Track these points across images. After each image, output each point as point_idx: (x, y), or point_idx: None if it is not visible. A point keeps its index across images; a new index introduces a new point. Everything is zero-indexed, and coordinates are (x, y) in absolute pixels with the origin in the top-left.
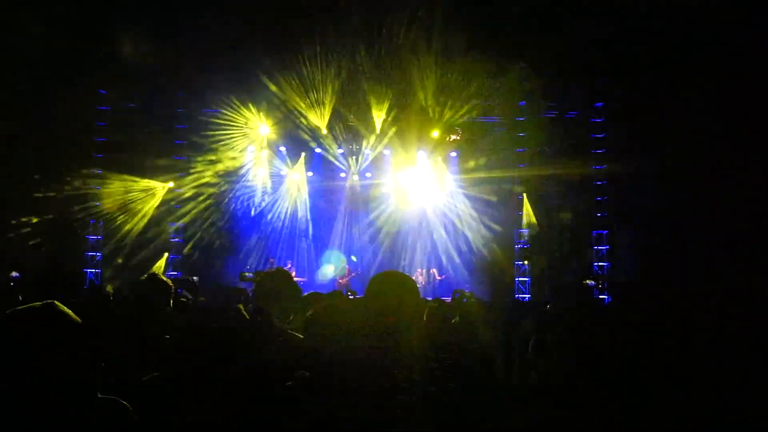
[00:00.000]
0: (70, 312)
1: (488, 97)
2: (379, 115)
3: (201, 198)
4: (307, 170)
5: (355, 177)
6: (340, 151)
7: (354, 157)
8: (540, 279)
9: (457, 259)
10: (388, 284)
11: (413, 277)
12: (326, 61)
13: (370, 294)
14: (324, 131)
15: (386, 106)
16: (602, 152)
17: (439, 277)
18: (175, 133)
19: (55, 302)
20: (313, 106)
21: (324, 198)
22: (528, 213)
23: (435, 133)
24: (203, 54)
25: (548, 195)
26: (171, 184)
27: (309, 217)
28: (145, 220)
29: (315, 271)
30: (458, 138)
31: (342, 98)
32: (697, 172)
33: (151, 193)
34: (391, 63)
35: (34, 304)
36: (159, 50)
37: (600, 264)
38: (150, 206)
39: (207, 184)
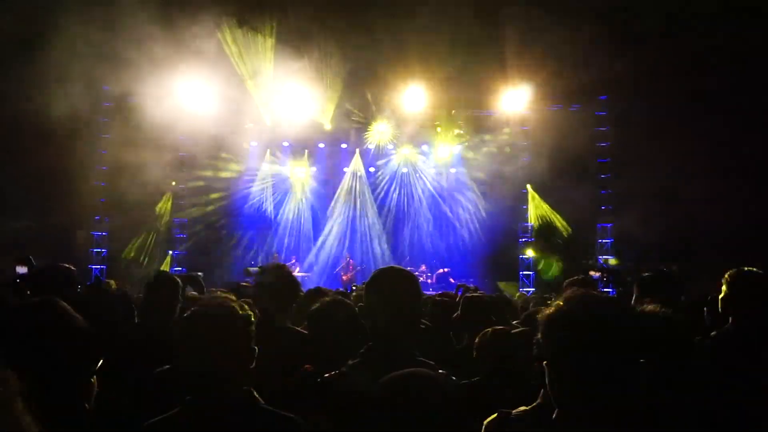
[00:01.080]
0: (68, 308)
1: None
2: (381, 118)
3: (205, 194)
4: (311, 165)
5: (360, 171)
6: (344, 146)
7: (358, 151)
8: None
9: (461, 253)
10: (390, 281)
11: (417, 273)
12: (331, 56)
13: (371, 292)
14: (328, 126)
15: (390, 100)
16: (606, 145)
17: (444, 270)
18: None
19: (55, 298)
20: (317, 101)
21: (328, 193)
22: (532, 206)
23: (439, 129)
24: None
25: (553, 188)
26: (174, 182)
27: (311, 213)
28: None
29: (319, 266)
30: (462, 132)
31: (346, 93)
32: (701, 165)
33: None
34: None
35: (32, 299)
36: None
37: (605, 257)
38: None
39: (211, 180)
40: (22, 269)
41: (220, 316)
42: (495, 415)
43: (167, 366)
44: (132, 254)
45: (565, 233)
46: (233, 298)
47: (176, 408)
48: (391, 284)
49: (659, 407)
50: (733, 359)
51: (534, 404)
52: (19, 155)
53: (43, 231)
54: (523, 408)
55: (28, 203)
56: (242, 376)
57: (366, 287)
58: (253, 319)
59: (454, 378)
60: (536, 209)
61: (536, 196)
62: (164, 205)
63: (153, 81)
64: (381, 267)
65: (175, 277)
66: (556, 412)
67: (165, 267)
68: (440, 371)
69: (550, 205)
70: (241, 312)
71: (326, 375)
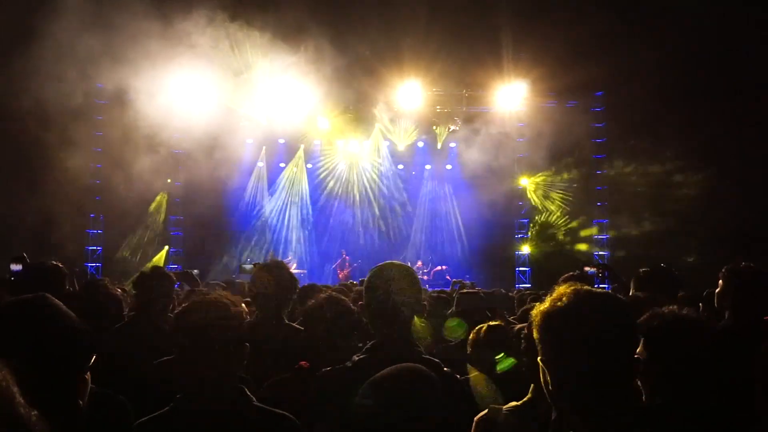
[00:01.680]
0: (60, 304)
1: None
2: (377, 115)
3: (201, 191)
4: (307, 161)
5: (355, 168)
6: (340, 142)
7: (354, 147)
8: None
9: (457, 250)
10: (389, 277)
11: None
12: (326, 53)
13: (370, 289)
14: (324, 122)
15: (386, 96)
16: (602, 141)
17: (441, 268)
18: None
19: (47, 294)
20: (312, 97)
21: (324, 189)
22: (529, 202)
23: (435, 127)
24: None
25: (549, 184)
26: (169, 180)
27: (308, 209)
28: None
29: (315, 263)
30: (457, 128)
31: (341, 90)
32: (697, 160)
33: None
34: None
35: (24, 296)
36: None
37: (600, 253)
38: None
39: (207, 178)
40: (16, 267)
41: (213, 312)
42: (486, 410)
43: (165, 358)
44: (127, 253)
45: (562, 227)
46: (226, 294)
47: (168, 406)
48: (391, 280)
49: (657, 404)
50: (729, 355)
51: (525, 399)
52: (11, 154)
53: (36, 229)
54: (513, 403)
55: (19, 201)
56: (234, 373)
57: (366, 284)
58: (245, 315)
59: (458, 376)
60: (534, 200)
61: (533, 188)
62: (159, 203)
63: (147, 78)
64: (379, 263)
65: (168, 273)
66: (554, 413)
67: (159, 262)
68: (446, 369)
69: (546, 202)
70: (233, 308)
71: (326, 369)
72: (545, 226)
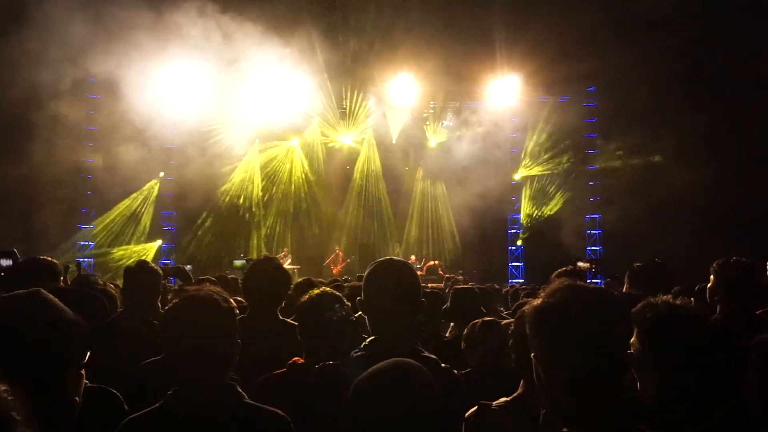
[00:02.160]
0: (55, 299)
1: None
2: (370, 109)
3: (194, 185)
4: (300, 156)
5: (349, 162)
6: (334, 135)
7: (348, 141)
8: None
9: (450, 245)
10: (390, 274)
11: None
12: (319, 46)
13: (371, 285)
14: (318, 115)
15: (379, 91)
16: (594, 136)
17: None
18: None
19: (41, 290)
20: (306, 90)
21: (318, 183)
22: (523, 197)
23: (428, 123)
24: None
25: (542, 179)
26: (162, 174)
27: (301, 203)
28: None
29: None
30: (450, 123)
31: (334, 83)
32: (689, 154)
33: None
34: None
35: (19, 292)
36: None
37: (593, 248)
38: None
39: (200, 172)
40: (6, 262)
41: (204, 308)
42: (476, 407)
43: (152, 358)
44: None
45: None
46: (218, 289)
47: (159, 402)
48: (391, 276)
49: (652, 396)
50: (720, 348)
51: (515, 395)
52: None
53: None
54: (503, 399)
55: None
56: (226, 369)
57: (365, 280)
58: (237, 311)
59: (455, 372)
60: (527, 199)
61: (527, 186)
62: (148, 190)
63: (139, 72)
64: (376, 259)
65: (154, 266)
66: (545, 409)
67: (148, 254)
68: (443, 365)
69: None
70: (224, 304)
71: (322, 365)
72: (537, 214)
